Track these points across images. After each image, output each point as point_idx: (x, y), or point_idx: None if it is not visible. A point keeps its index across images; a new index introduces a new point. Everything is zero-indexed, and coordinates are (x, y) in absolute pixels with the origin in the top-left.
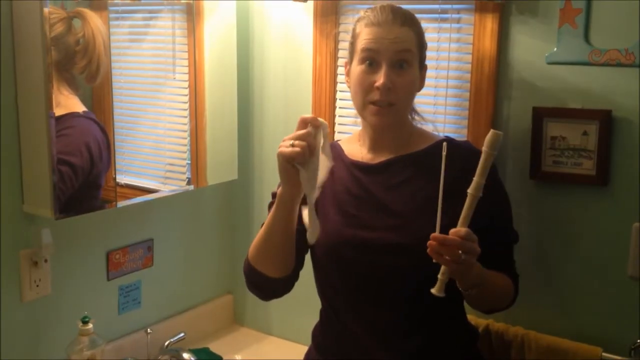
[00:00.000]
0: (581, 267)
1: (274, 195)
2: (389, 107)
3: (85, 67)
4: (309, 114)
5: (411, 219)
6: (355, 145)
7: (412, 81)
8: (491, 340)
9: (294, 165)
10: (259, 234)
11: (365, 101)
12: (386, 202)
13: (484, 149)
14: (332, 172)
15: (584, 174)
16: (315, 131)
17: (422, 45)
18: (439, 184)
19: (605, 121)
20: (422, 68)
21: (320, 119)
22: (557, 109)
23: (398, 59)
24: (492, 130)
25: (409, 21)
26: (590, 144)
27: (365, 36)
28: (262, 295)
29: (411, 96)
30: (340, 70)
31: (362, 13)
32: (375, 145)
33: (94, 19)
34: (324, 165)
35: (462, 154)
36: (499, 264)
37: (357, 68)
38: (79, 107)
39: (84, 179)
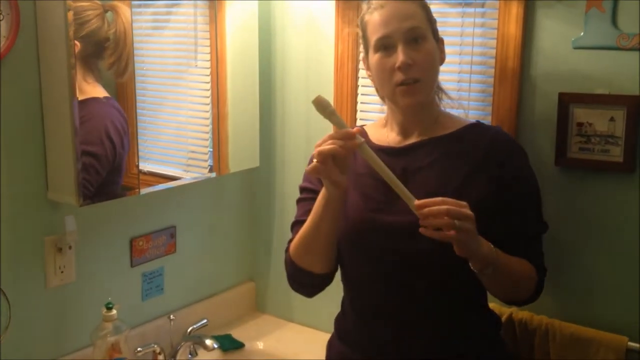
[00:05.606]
0: (607, 255)
1: (302, 189)
2: (415, 85)
3: (113, 64)
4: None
5: None
6: (382, 130)
7: (431, 53)
8: (515, 328)
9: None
10: (303, 234)
11: (392, 85)
12: (408, 184)
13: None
14: (355, 157)
15: (612, 161)
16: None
17: (430, 18)
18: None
19: (633, 107)
20: (438, 41)
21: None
22: (583, 95)
23: (411, 36)
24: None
25: None
26: (617, 130)
27: (373, 23)
28: (308, 293)
29: (434, 69)
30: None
31: (364, 6)
32: (402, 129)
33: (127, 15)
34: None
35: (487, 140)
36: (520, 252)
37: (374, 57)
38: (101, 93)
39: (110, 167)
